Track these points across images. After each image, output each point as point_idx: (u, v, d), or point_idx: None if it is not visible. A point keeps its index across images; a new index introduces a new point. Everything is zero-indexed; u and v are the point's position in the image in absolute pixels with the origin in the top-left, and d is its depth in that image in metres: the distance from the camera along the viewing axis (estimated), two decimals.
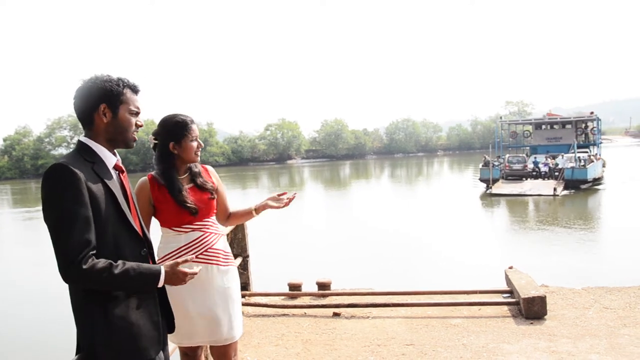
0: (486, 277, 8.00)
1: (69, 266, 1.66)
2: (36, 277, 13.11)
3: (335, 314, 4.93)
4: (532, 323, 4.42)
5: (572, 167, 25.98)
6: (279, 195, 2.86)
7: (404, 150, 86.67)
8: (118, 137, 1.89)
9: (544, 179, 27.10)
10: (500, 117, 43.61)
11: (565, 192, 24.65)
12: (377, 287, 5.88)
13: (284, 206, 2.84)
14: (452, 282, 8.10)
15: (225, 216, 2.95)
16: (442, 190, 30.26)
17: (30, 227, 23.94)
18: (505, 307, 4.82)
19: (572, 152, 27.73)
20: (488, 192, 25.36)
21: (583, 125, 33.33)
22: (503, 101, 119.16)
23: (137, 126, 1.93)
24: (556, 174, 26.72)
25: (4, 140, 73.26)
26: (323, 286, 5.65)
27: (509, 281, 5.26)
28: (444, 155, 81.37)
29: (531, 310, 4.53)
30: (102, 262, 1.70)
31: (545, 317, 4.51)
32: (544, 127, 33.64)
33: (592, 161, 27.33)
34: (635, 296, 4.96)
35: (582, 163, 26.69)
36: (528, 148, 33.74)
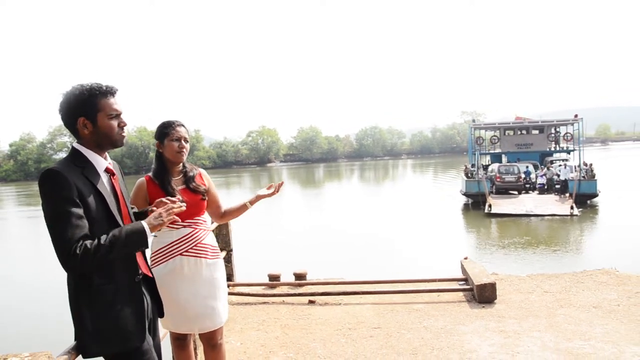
0: (445, 267, 8.12)
1: (66, 257, 1.64)
2: (40, 269, 12.79)
3: (311, 302, 4.93)
4: (484, 307, 4.49)
5: (578, 179, 19.30)
6: (268, 188, 2.91)
7: (372, 154, 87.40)
8: (104, 141, 1.84)
9: (540, 193, 20.95)
10: (473, 120, 34.07)
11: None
12: (348, 277, 5.90)
13: (275, 193, 2.91)
14: (414, 272, 8.20)
15: (219, 214, 2.92)
16: (416, 197, 25.97)
17: (33, 223, 23.37)
18: (461, 293, 4.89)
19: (571, 161, 22.29)
20: (486, 211, 18.11)
21: (553, 130, 27.12)
22: (459, 111, 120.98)
23: (121, 127, 1.86)
24: (557, 186, 20.24)
25: (10, 145, 73.65)
26: (299, 277, 5.65)
27: (464, 270, 5.34)
28: (407, 158, 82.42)
29: (483, 295, 4.61)
30: (89, 241, 1.68)
31: (495, 301, 4.59)
32: (511, 132, 27.10)
33: (593, 171, 20.67)
34: (570, 281, 5.11)
35: (588, 174, 20.28)
36: (489, 156, 27.78)
